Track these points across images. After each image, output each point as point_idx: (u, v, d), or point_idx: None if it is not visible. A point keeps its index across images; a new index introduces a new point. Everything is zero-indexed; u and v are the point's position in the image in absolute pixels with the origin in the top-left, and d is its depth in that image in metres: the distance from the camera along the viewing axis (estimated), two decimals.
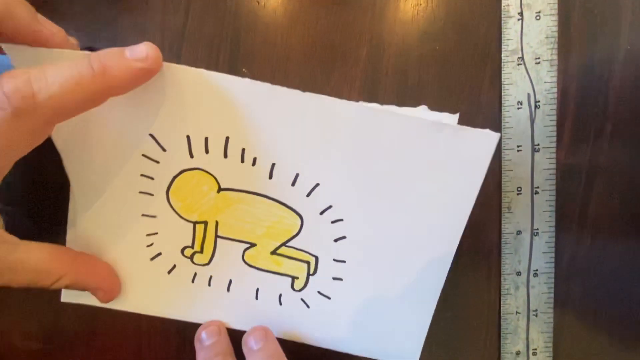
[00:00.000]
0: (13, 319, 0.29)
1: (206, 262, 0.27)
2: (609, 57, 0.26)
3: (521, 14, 0.26)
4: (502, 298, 0.28)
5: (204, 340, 0.27)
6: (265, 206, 0.25)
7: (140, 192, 0.25)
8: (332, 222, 0.25)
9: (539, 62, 0.26)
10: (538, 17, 0.26)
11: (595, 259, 0.28)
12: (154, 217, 0.26)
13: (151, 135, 0.24)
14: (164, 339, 0.29)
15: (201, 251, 0.27)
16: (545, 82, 0.27)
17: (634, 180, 0.27)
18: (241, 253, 0.26)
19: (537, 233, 0.27)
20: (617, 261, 0.28)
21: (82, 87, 0.19)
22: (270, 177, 0.24)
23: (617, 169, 0.27)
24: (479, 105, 0.27)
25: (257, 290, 0.27)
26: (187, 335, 0.29)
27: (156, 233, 0.26)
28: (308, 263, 0.26)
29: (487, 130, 0.22)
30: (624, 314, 0.28)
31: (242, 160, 0.24)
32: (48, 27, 0.22)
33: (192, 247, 0.26)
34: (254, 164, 0.24)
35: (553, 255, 0.28)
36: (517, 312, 0.28)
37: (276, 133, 0.23)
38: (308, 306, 0.27)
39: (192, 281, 0.27)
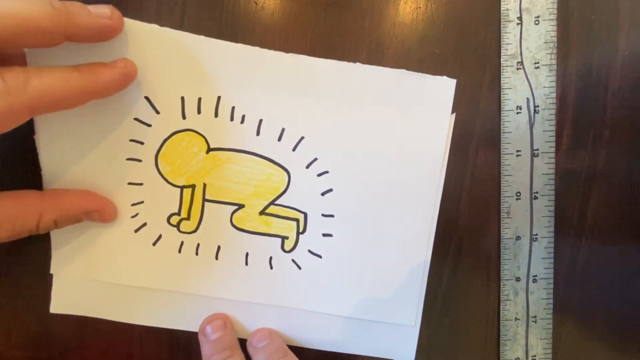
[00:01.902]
0: (0, 327, 0.28)
1: (193, 229, 0.27)
2: (607, 63, 0.26)
3: (520, 18, 0.26)
4: (501, 304, 0.28)
5: (209, 335, 0.26)
6: (253, 164, 0.26)
7: (128, 159, 0.26)
8: (318, 175, 0.26)
9: (538, 67, 0.26)
10: (537, 22, 0.26)
11: (594, 264, 0.28)
12: (141, 184, 0.26)
13: (146, 98, 0.25)
14: (156, 347, 0.28)
15: (188, 218, 0.26)
16: (544, 87, 0.26)
17: (632, 185, 0.27)
18: (229, 216, 0.27)
19: (536, 238, 0.27)
20: (615, 266, 0.28)
21: (70, 82, 0.21)
22: (258, 133, 0.26)
23: (615, 174, 0.27)
24: (478, 109, 0.27)
25: (247, 255, 0.27)
26: (180, 344, 0.28)
27: (142, 202, 0.26)
28: (297, 220, 0.27)
29: (444, 77, 0.26)
30: (624, 319, 0.28)
31: (232, 119, 0.26)
32: (102, 13, 0.22)
33: (178, 214, 0.26)
34: (242, 121, 0.26)
35: (552, 260, 0.27)
36: (516, 319, 0.28)
37: (264, 91, 0.25)
38: (300, 267, 0.27)
39: (179, 251, 0.27)
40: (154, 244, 0.27)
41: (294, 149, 0.26)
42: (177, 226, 0.27)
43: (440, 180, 0.26)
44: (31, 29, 0.20)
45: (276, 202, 0.27)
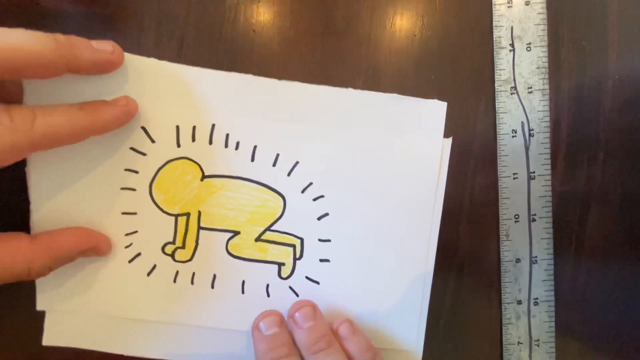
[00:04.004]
0: None
1: (188, 258, 0.26)
2: (598, 86, 0.27)
3: (512, 45, 0.27)
4: (503, 328, 0.27)
5: (264, 330, 0.25)
6: (248, 190, 0.26)
7: (122, 188, 0.26)
8: (314, 199, 0.26)
9: (531, 92, 0.27)
10: (529, 49, 0.27)
11: (594, 285, 0.28)
12: (135, 214, 0.26)
13: (143, 128, 0.25)
14: None
15: (183, 246, 0.26)
16: (538, 111, 0.27)
17: (628, 204, 0.27)
18: (225, 244, 0.26)
19: (536, 261, 0.27)
20: (615, 286, 0.28)
21: (73, 121, 0.21)
22: (253, 159, 0.26)
23: (611, 195, 0.27)
24: (475, 133, 0.27)
25: (243, 283, 0.27)
26: None
27: (136, 232, 0.26)
28: (294, 246, 0.26)
29: (435, 100, 0.26)
30: (626, 340, 0.28)
31: (226, 146, 0.26)
32: (104, 48, 0.23)
33: (173, 242, 0.26)
34: (237, 148, 0.26)
35: (552, 282, 0.27)
36: (519, 343, 0.27)
37: (258, 117, 0.26)
38: (297, 294, 0.27)
39: (174, 281, 0.26)
40: (149, 274, 0.26)
41: (289, 174, 0.26)
42: (172, 255, 0.26)
43: (436, 202, 0.26)
44: (35, 62, 0.20)
45: (272, 228, 0.26)
